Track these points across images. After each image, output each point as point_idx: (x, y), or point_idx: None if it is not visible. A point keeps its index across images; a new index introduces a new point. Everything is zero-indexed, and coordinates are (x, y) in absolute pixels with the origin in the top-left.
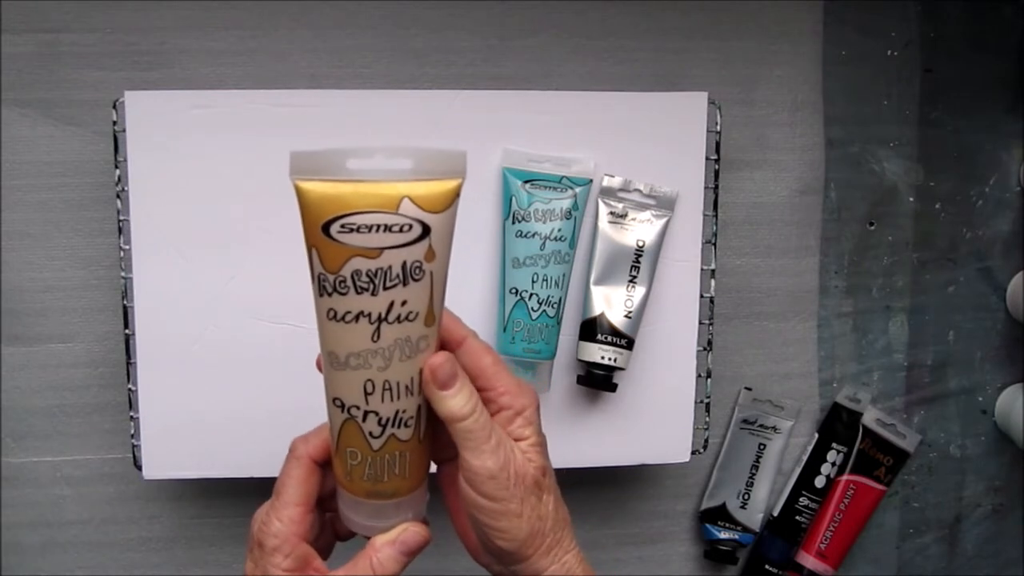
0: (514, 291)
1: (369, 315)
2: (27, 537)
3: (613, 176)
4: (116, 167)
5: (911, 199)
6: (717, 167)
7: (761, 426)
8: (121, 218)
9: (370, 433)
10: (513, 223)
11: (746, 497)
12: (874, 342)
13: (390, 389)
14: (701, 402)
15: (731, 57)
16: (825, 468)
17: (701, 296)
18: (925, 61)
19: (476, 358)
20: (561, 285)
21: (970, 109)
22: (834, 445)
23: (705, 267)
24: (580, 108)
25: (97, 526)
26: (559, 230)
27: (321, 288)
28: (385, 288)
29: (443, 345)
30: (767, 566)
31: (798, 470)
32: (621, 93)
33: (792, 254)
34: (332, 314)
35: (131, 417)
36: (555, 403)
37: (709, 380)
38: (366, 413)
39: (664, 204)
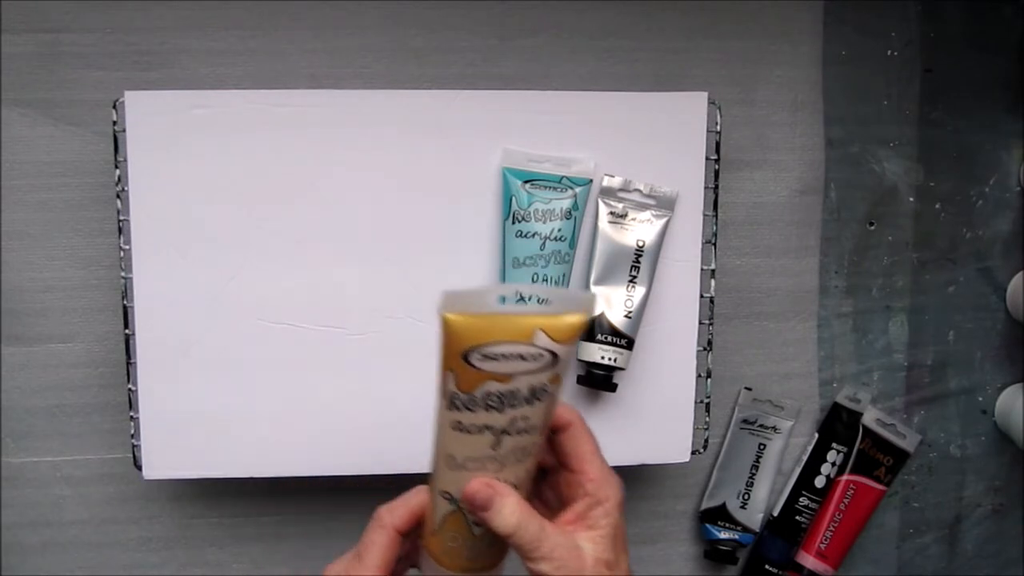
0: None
1: (492, 428)
2: (27, 537)
3: (613, 176)
4: (116, 167)
5: (911, 199)
6: (717, 167)
7: (761, 426)
8: (121, 218)
9: (474, 523)
10: (513, 223)
11: (746, 497)
12: (874, 342)
13: None
14: (701, 402)
15: (731, 57)
16: (825, 468)
17: (701, 296)
18: (925, 61)
19: (577, 443)
20: (561, 285)
21: (970, 109)
22: (834, 445)
23: (705, 267)
24: (580, 108)
25: (97, 526)
26: (559, 230)
27: (451, 404)
28: (511, 407)
29: (552, 428)
30: (767, 566)
31: (798, 470)
32: (621, 93)
33: (792, 254)
34: (458, 425)
35: (131, 417)
36: None
37: (709, 380)
38: None
39: (664, 204)
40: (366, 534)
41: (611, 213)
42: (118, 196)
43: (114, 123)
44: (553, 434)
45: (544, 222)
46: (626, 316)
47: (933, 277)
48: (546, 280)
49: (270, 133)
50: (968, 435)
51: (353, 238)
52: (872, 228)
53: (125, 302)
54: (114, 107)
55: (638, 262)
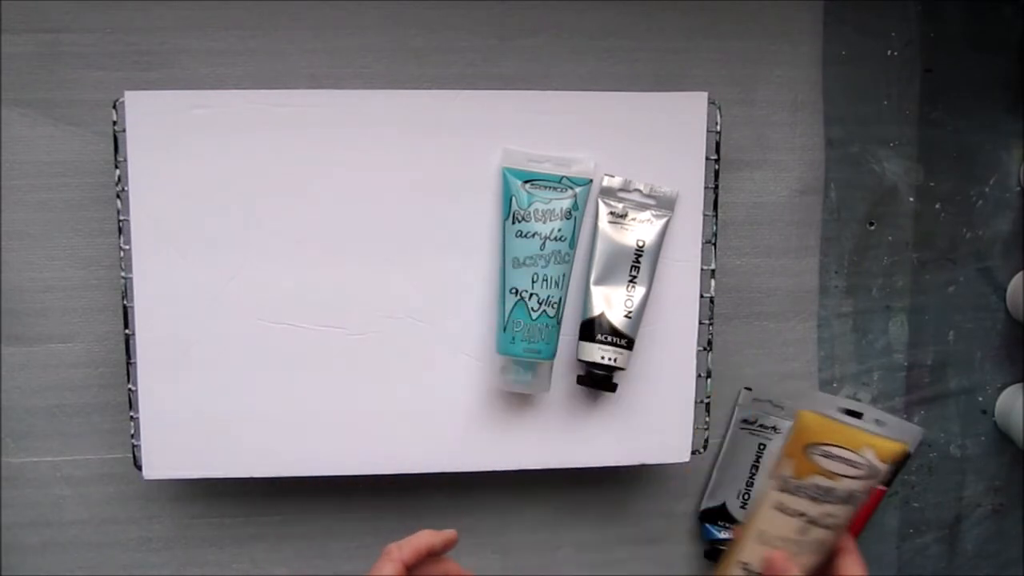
0: (514, 291)
1: (806, 516)
2: (27, 537)
3: (613, 176)
4: (116, 167)
5: (911, 199)
6: (717, 167)
7: (761, 426)
8: (121, 218)
9: None
10: (513, 223)
11: (746, 497)
12: (874, 342)
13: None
14: (701, 402)
15: (731, 57)
16: None
17: (701, 296)
18: (925, 61)
19: (849, 568)
20: (561, 285)
21: (970, 109)
22: None
23: (705, 267)
24: (580, 108)
25: (97, 526)
26: (559, 230)
27: (781, 487)
28: (827, 502)
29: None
30: None
31: None
32: (621, 93)
33: (792, 254)
34: (780, 506)
35: (131, 417)
36: (555, 403)
37: (709, 380)
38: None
39: (664, 204)
40: (376, 566)
41: (611, 213)
42: (118, 196)
43: (114, 123)
44: (830, 558)
45: (544, 222)
46: (626, 316)
47: (933, 277)
48: (546, 280)
49: (270, 133)
50: (968, 435)
51: (353, 238)
52: (872, 228)
53: (125, 302)
54: (114, 107)
55: (638, 262)
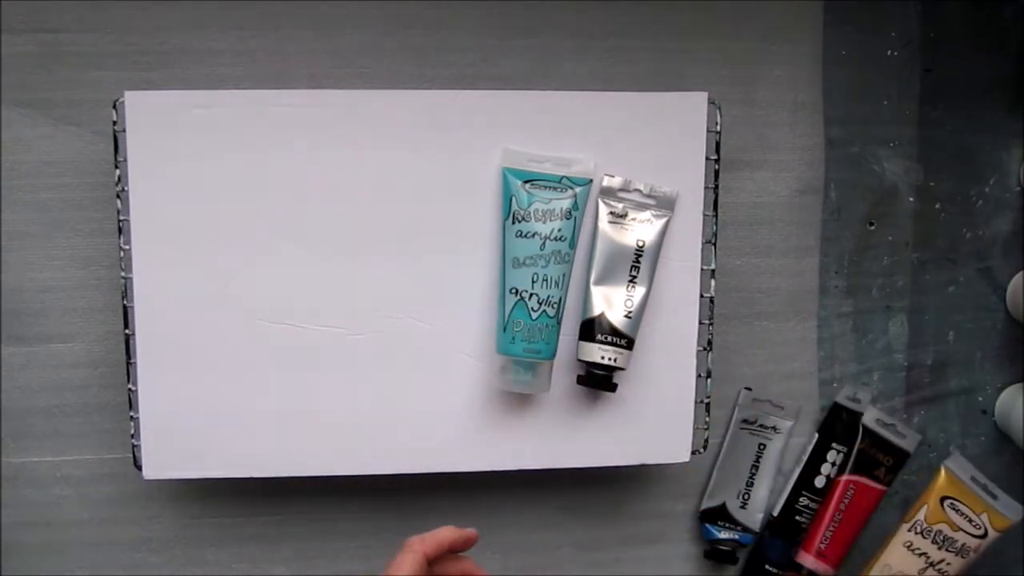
0: (514, 291)
1: (927, 557)
2: (27, 537)
3: (613, 176)
4: (116, 167)
5: (911, 199)
6: (717, 167)
7: (761, 426)
8: (121, 218)
9: None
10: (513, 223)
11: (746, 497)
12: (874, 342)
13: None
14: (701, 402)
15: (731, 57)
16: (825, 468)
17: (701, 296)
18: (925, 61)
19: None
20: (561, 285)
21: (970, 109)
22: (834, 445)
23: (705, 267)
24: (580, 108)
25: (97, 526)
26: (559, 230)
27: (912, 527)
28: (946, 550)
29: None
30: (767, 566)
31: (798, 470)
32: (621, 93)
33: (792, 254)
34: (908, 545)
35: (131, 417)
36: (555, 403)
37: (709, 380)
38: None
39: (664, 204)
40: (397, 559)
41: (611, 213)
42: (118, 196)
43: (114, 123)
44: None
45: (544, 222)
46: (626, 316)
47: (933, 277)
48: (546, 280)
49: (270, 133)
50: (968, 435)
51: (353, 238)
52: (872, 228)
53: (125, 302)
54: (114, 107)
55: (638, 262)
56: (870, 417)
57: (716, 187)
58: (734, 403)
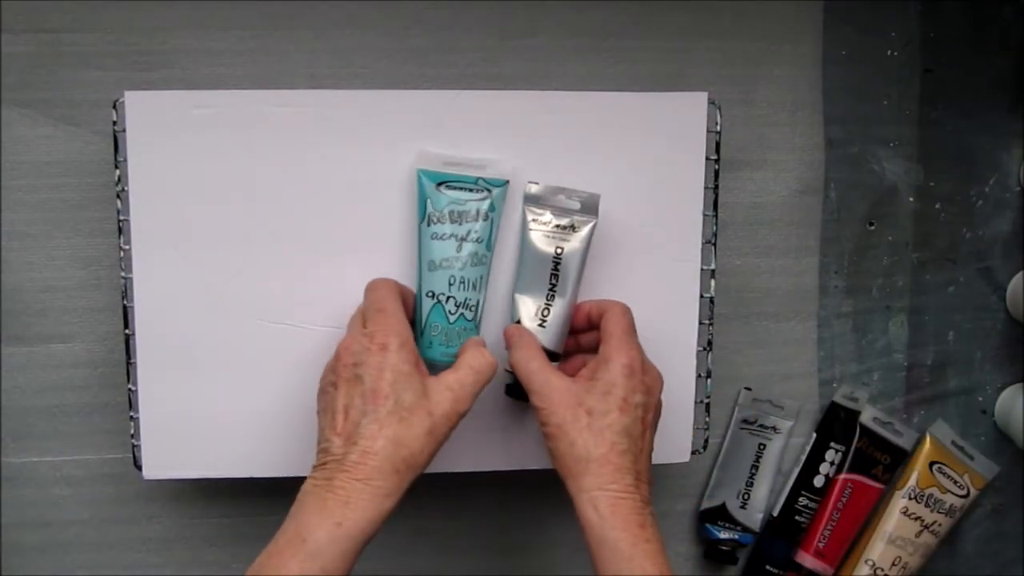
0: (431, 294)
1: (923, 520)
2: (27, 537)
3: (536, 183)
4: (116, 167)
5: (911, 199)
6: (717, 167)
7: (761, 426)
8: (121, 218)
9: None
10: (428, 225)
11: (746, 497)
12: (874, 342)
13: None
14: (701, 402)
15: (731, 57)
16: (824, 467)
17: (701, 296)
18: (925, 61)
19: (610, 323)
20: (479, 287)
21: (970, 109)
22: (832, 444)
23: (705, 267)
24: (580, 108)
25: (97, 526)
26: (475, 232)
27: (907, 494)
28: (937, 512)
29: (596, 319)
30: (767, 566)
31: (797, 470)
32: (621, 93)
33: (792, 254)
34: (904, 511)
35: (131, 417)
36: None
37: (709, 380)
38: None
39: (587, 209)
40: (375, 293)
41: (533, 220)
42: (118, 196)
43: (114, 123)
44: (597, 326)
45: (460, 223)
46: (540, 325)
47: (933, 277)
48: (463, 283)
49: (270, 133)
50: (968, 435)
51: (354, 238)
52: (872, 228)
53: (125, 302)
54: (114, 107)
55: (556, 270)
56: (868, 416)
57: (716, 187)
58: (734, 403)
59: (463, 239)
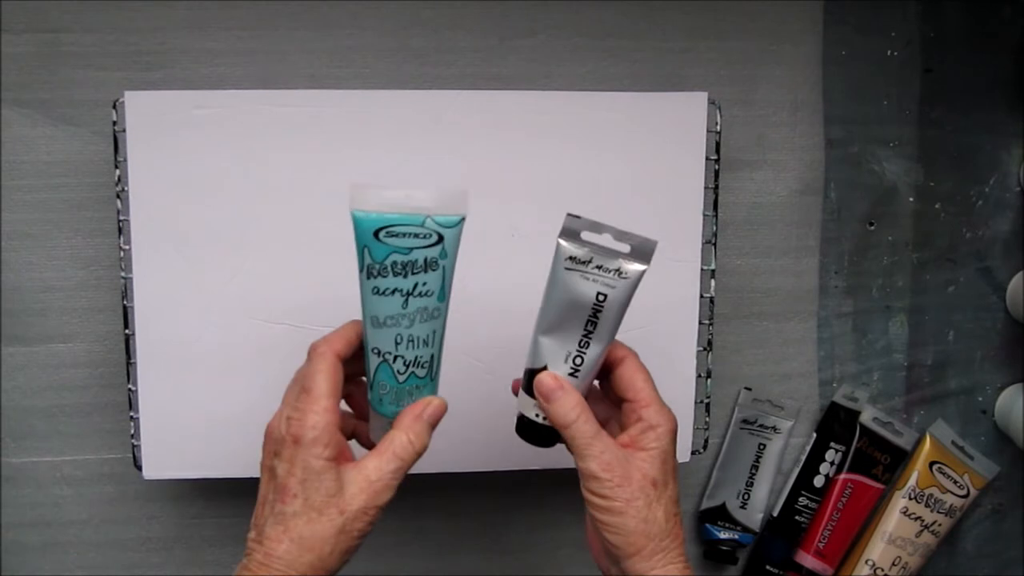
0: (376, 352)
1: (923, 520)
2: (27, 537)
3: (578, 216)
4: (116, 167)
5: (911, 199)
6: (717, 167)
7: (761, 426)
8: (121, 218)
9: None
10: (368, 278)
11: (746, 497)
12: (874, 342)
13: None
14: (701, 402)
15: (731, 57)
16: (824, 467)
17: (701, 296)
18: (925, 61)
19: (632, 376)
20: (432, 342)
21: (970, 109)
22: (832, 444)
23: (705, 267)
24: (580, 108)
25: (97, 526)
26: (424, 284)
27: (909, 494)
28: (939, 512)
29: (609, 363)
30: (767, 566)
31: (797, 470)
32: (621, 93)
33: (792, 254)
34: (904, 510)
35: (131, 417)
36: None
37: (709, 380)
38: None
39: (639, 255)
40: (307, 368)
41: (570, 258)
42: (118, 196)
43: (114, 123)
44: (611, 370)
45: (405, 276)
46: (571, 375)
47: (933, 277)
48: (412, 342)
49: (270, 133)
50: (968, 435)
51: (353, 238)
52: (872, 228)
53: (125, 302)
54: (114, 107)
55: (596, 317)
56: (868, 416)
57: (716, 187)
58: (734, 403)
59: (409, 294)
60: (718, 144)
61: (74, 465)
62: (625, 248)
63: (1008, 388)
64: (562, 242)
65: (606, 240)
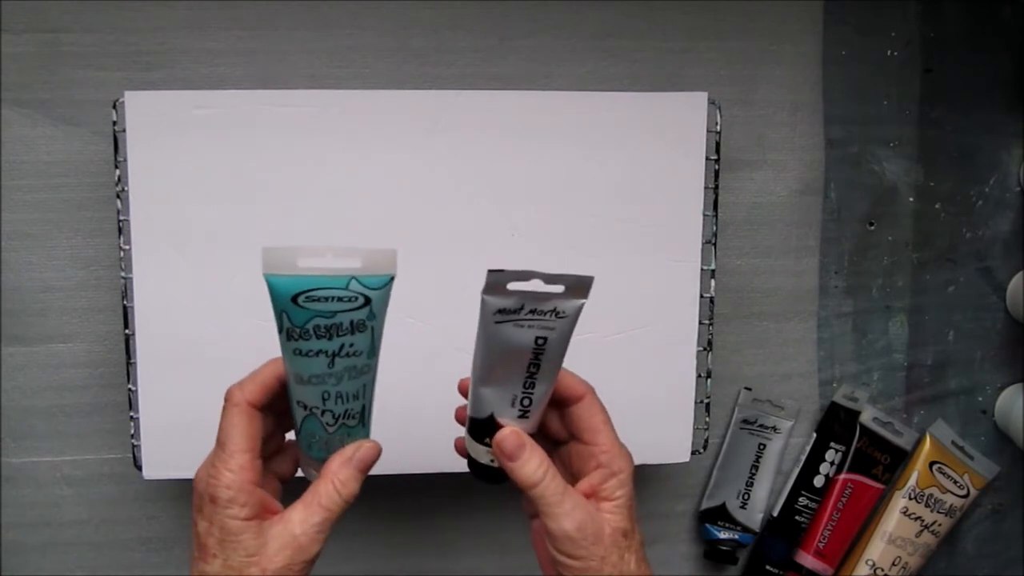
0: (303, 405)
1: (923, 520)
2: (27, 537)
3: (500, 270)
4: (116, 167)
5: (911, 199)
6: (717, 167)
7: (761, 426)
8: (121, 218)
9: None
10: (289, 340)
11: (746, 497)
12: (874, 342)
13: None
14: (701, 402)
15: (731, 57)
16: (824, 467)
17: (701, 296)
18: (925, 61)
19: (590, 415)
20: (362, 395)
21: (970, 109)
22: (832, 444)
23: (705, 267)
24: (580, 108)
25: (97, 526)
26: (351, 345)
27: (909, 494)
28: (939, 512)
29: (564, 399)
30: (767, 566)
31: (797, 470)
32: (621, 93)
33: (792, 254)
34: (904, 510)
35: (131, 417)
36: None
37: (709, 380)
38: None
39: (574, 292)
40: (222, 420)
41: (499, 311)
42: (118, 196)
43: (114, 123)
44: (566, 407)
45: (330, 338)
46: (521, 416)
47: (933, 277)
48: (341, 397)
49: (270, 133)
50: (968, 435)
51: (353, 238)
52: (872, 228)
53: (125, 302)
54: (114, 107)
55: (538, 359)
56: (868, 416)
57: (716, 187)
58: (734, 403)
59: (336, 354)
60: (718, 144)
61: (74, 465)
62: (559, 288)
63: (1008, 388)
64: (487, 297)
65: (536, 285)
